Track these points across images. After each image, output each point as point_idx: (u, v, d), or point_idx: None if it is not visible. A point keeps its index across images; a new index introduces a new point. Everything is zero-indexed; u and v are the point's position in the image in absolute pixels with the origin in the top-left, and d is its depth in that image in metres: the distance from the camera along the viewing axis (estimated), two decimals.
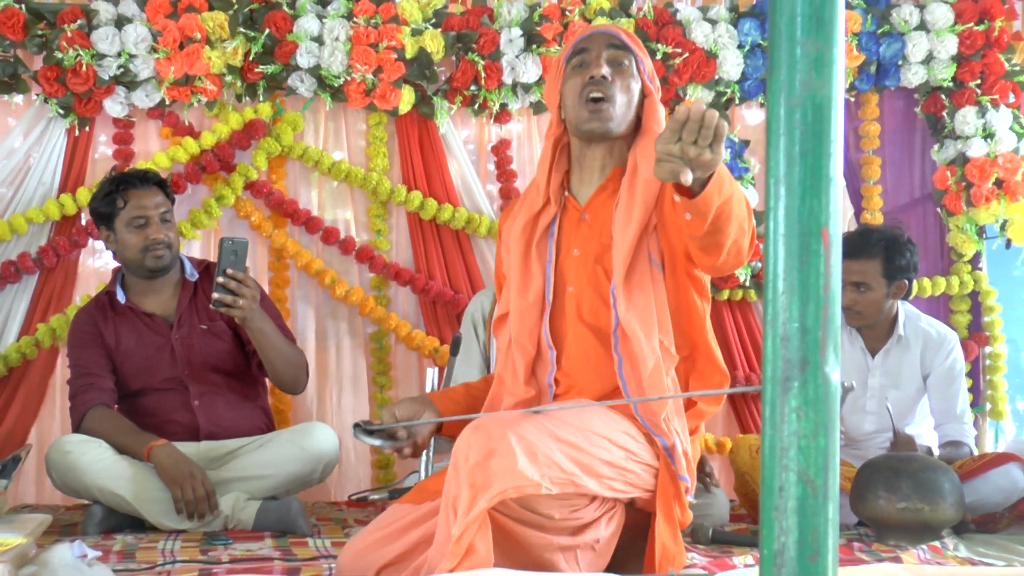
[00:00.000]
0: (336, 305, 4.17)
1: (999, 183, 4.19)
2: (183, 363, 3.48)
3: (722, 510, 3.41)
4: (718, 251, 2.19)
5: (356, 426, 2.34)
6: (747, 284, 4.19)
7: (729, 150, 4.14)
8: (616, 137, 2.41)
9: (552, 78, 2.48)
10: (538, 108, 4.15)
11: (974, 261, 4.35)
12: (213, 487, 3.24)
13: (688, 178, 1.91)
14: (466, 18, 4.06)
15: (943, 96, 4.28)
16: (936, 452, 3.47)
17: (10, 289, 3.91)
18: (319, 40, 3.93)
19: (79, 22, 3.82)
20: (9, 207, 3.92)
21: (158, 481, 3.23)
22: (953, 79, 4.24)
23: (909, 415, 3.62)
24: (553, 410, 2.21)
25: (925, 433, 3.63)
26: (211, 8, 3.89)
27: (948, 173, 4.26)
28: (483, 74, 4.02)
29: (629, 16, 4.11)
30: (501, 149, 4.20)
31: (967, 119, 4.19)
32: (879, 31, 4.20)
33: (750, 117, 4.38)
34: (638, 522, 2.34)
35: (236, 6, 3.91)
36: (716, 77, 4.13)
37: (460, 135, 4.21)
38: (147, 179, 3.48)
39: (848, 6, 4.23)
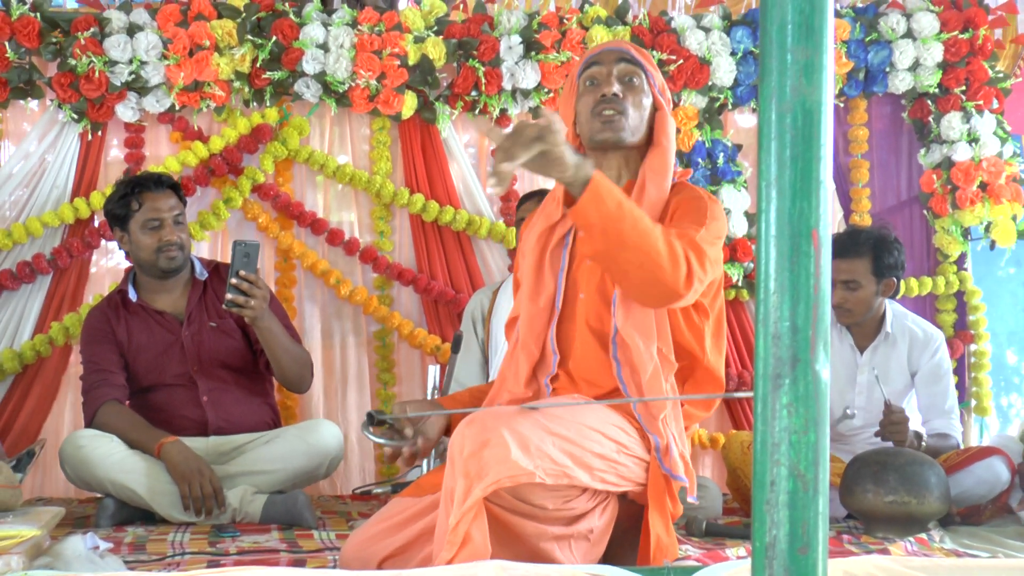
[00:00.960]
0: (341, 304, 4.19)
1: (983, 186, 4.23)
2: (193, 360, 3.49)
3: (715, 503, 3.43)
4: (622, 279, 2.23)
5: (368, 415, 2.37)
6: (739, 284, 4.21)
7: (723, 154, 4.21)
8: (629, 147, 2.45)
9: (566, 94, 2.51)
10: (536, 113, 4.14)
11: (959, 262, 4.38)
12: (221, 484, 3.25)
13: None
14: (467, 26, 4.10)
15: (929, 102, 4.32)
16: (925, 440, 3.44)
17: (25, 289, 3.95)
18: (324, 47, 3.96)
19: (92, 30, 3.85)
20: (24, 209, 3.96)
21: (168, 475, 3.24)
22: (939, 85, 4.28)
23: None
24: (548, 407, 2.21)
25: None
26: (220, 16, 3.93)
27: (934, 176, 4.30)
28: (483, 80, 4.06)
29: (625, 24, 4.15)
30: None
31: (952, 124, 4.24)
32: (867, 39, 4.24)
33: (742, 122, 4.41)
34: (632, 514, 2.37)
35: (244, 14, 3.94)
36: (709, 83, 4.18)
37: (461, 139, 4.25)
38: (161, 182, 3.50)
39: (837, 15, 4.25)
